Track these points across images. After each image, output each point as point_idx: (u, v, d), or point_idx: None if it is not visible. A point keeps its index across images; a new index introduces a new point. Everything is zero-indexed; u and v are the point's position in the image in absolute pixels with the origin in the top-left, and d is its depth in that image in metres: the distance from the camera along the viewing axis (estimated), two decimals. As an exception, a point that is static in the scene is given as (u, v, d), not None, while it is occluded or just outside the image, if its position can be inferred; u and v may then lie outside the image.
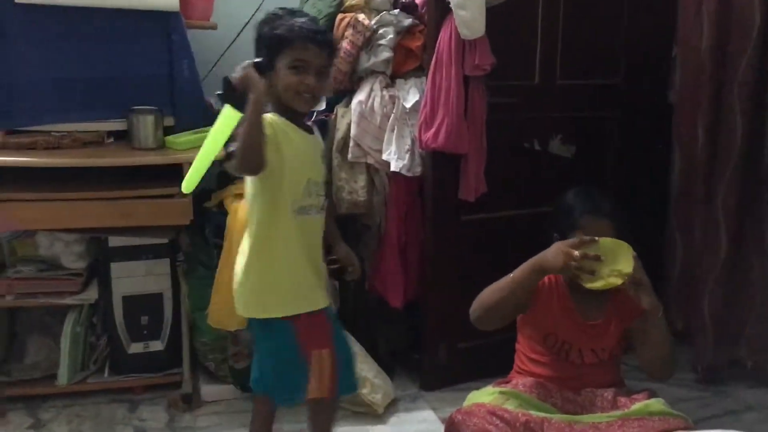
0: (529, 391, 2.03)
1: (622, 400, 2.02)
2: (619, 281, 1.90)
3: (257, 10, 2.95)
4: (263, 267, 1.87)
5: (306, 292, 1.91)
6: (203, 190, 2.78)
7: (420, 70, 2.75)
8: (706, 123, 2.74)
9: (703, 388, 2.83)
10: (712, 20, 2.68)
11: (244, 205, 2.60)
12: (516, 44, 2.71)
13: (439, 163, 2.65)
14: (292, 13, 1.88)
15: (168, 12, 2.59)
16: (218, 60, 2.95)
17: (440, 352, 2.79)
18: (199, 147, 2.52)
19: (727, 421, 2.55)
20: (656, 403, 1.98)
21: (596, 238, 1.90)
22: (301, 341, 1.87)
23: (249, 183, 1.87)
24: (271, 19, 1.85)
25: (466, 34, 2.45)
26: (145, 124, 2.54)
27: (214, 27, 2.81)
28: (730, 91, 2.68)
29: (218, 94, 1.74)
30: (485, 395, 2.04)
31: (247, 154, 1.69)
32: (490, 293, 2.02)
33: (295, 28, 1.80)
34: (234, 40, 2.96)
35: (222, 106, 1.73)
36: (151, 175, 2.53)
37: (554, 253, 1.92)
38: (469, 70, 2.51)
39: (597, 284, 1.91)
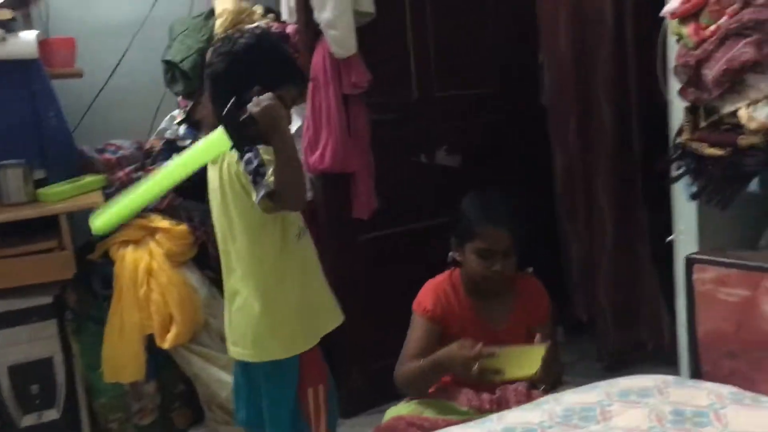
0: (447, 398, 2.00)
1: (536, 392, 2.02)
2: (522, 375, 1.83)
3: (123, 56, 2.89)
4: (287, 299, 1.78)
5: (326, 315, 1.90)
6: (87, 243, 2.66)
7: (299, 97, 2.74)
8: (575, 120, 2.86)
9: (610, 376, 2.88)
10: (567, 24, 2.82)
11: (132, 251, 2.53)
12: (391, 61, 2.77)
13: (329, 185, 2.64)
14: None
15: (27, 60, 2.48)
16: (89, 107, 2.85)
17: (354, 376, 2.74)
18: (74, 197, 2.45)
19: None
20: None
21: (496, 351, 1.79)
22: (301, 376, 1.81)
23: (248, 220, 1.74)
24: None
25: (339, 52, 2.47)
26: (14, 178, 2.40)
27: (79, 74, 2.71)
28: (594, 88, 2.82)
29: (224, 117, 1.50)
30: (403, 408, 2.00)
31: (296, 190, 1.64)
32: (404, 378, 1.94)
33: None
34: (103, 87, 2.86)
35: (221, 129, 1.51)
36: (26, 232, 2.39)
37: (457, 363, 1.81)
38: (346, 89, 2.53)
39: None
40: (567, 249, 3.06)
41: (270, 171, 1.60)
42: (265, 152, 1.63)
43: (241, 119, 1.50)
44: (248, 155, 1.63)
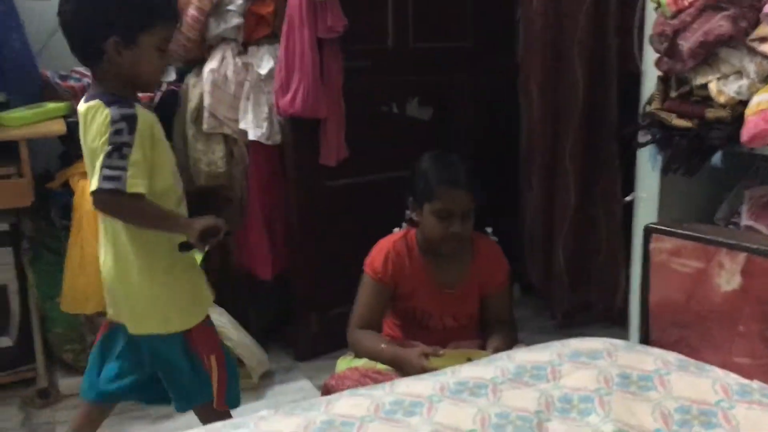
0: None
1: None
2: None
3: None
4: (173, 272, 1.71)
5: (207, 291, 1.83)
6: (46, 171, 2.60)
7: (273, 37, 2.68)
8: (542, 82, 2.85)
9: (562, 333, 2.97)
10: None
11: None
12: (368, 7, 2.71)
13: (299, 130, 2.61)
14: None
15: (-10, -22, 2.38)
16: (54, 32, 2.74)
17: (312, 320, 2.77)
18: (35, 123, 2.38)
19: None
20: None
21: (441, 352, 1.78)
22: (192, 347, 1.75)
23: None
24: None
25: (316, -6, 2.42)
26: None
27: (45, -4, 2.60)
28: (569, 51, 2.81)
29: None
30: (357, 361, 2.01)
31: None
32: (361, 349, 1.93)
33: None
34: (70, 11, 2.75)
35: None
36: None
37: (410, 370, 1.76)
38: (322, 32, 2.48)
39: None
40: (523, 211, 3.09)
41: (134, 173, 1.52)
42: (143, 146, 1.56)
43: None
44: (120, 125, 1.53)
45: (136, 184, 1.53)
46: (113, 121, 1.53)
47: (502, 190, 2.98)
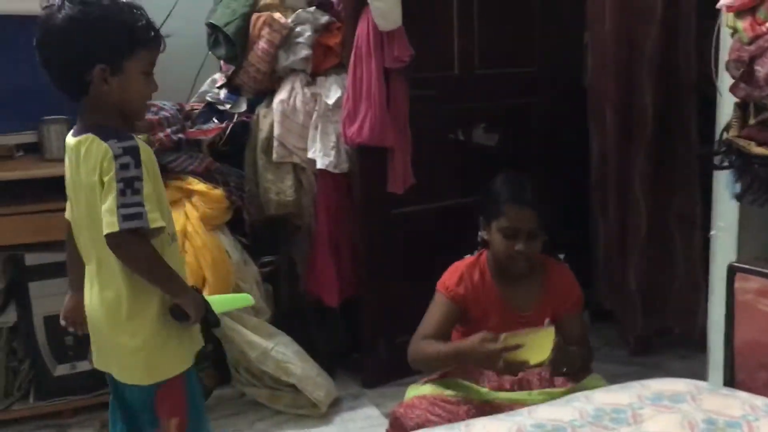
0: (468, 377, 2.02)
1: (559, 379, 2.03)
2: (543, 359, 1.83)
3: (167, 17, 2.86)
4: (162, 312, 1.58)
5: (197, 335, 1.69)
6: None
7: (340, 67, 2.73)
8: (614, 104, 2.81)
9: (636, 361, 2.90)
10: (613, 4, 2.75)
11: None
12: (434, 36, 2.73)
13: (366, 158, 2.64)
14: None
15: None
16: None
17: (380, 347, 2.78)
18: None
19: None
20: (593, 380, 2.00)
21: (503, 335, 1.81)
22: (156, 403, 1.61)
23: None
24: None
25: (384, 25, 2.45)
26: (57, 134, 2.43)
27: (124, 31, 2.70)
28: (639, 72, 2.76)
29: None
30: (425, 388, 2.02)
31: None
32: (420, 357, 1.95)
33: None
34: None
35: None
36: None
37: (481, 358, 1.82)
38: (389, 63, 2.52)
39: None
40: (595, 235, 3.04)
41: (151, 207, 1.46)
42: (149, 178, 1.49)
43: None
44: (125, 159, 1.46)
45: (156, 218, 1.47)
46: (116, 156, 1.46)
47: (570, 215, 2.94)
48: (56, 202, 2.34)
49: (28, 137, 2.52)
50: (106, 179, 1.46)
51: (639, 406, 1.32)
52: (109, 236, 1.45)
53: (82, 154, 1.52)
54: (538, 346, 1.81)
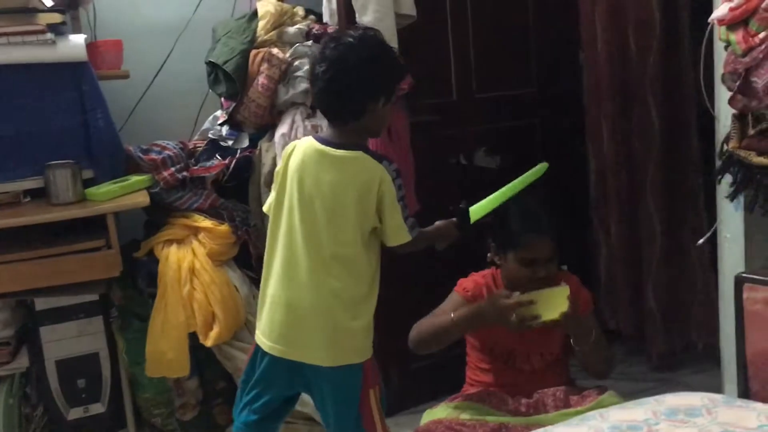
0: (483, 401, 2.02)
1: (574, 398, 2.03)
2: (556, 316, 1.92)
3: (167, 57, 2.92)
4: (372, 305, 1.88)
5: None
6: (131, 241, 2.71)
7: (340, 98, 2.75)
8: (612, 124, 2.83)
9: (653, 377, 2.88)
10: (605, 22, 2.78)
11: (176, 250, 2.57)
12: (431, 62, 2.76)
13: (369, 187, 2.64)
14: None
15: (77, 63, 2.52)
16: (134, 108, 2.89)
17: (392, 375, 2.76)
18: (119, 196, 2.50)
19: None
20: (609, 398, 2.00)
21: (532, 299, 1.91)
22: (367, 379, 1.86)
23: (361, 234, 1.81)
24: None
25: (381, 56, 2.47)
26: (63, 178, 2.45)
27: (126, 76, 2.74)
28: (641, 90, 2.77)
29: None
30: (440, 411, 2.03)
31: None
32: (429, 327, 2.01)
33: None
34: (148, 88, 2.90)
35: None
36: (75, 230, 2.45)
37: (494, 314, 1.91)
38: (388, 92, 2.53)
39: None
40: (597, 255, 3.03)
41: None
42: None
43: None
44: (399, 180, 1.80)
45: (413, 223, 1.87)
46: (394, 178, 1.78)
47: (572, 238, 2.94)
48: (66, 245, 2.38)
49: (34, 183, 2.54)
50: (387, 200, 1.78)
51: (654, 422, 1.31)
52: (404, 244, 1.84)
53: (348, 165, 1.78)
54: (552, 303, 1.88)
